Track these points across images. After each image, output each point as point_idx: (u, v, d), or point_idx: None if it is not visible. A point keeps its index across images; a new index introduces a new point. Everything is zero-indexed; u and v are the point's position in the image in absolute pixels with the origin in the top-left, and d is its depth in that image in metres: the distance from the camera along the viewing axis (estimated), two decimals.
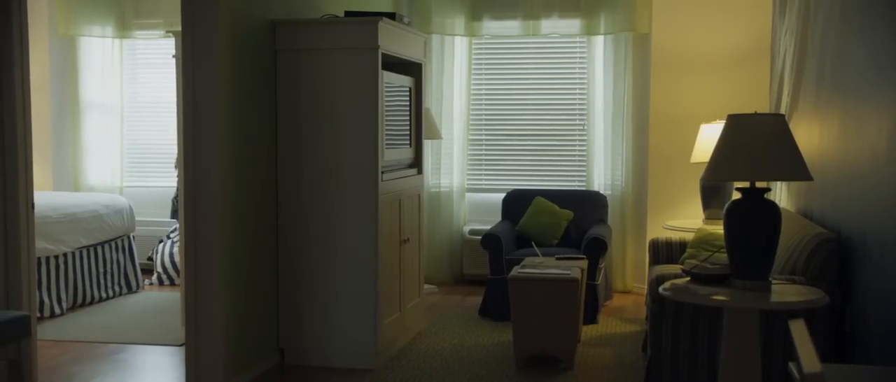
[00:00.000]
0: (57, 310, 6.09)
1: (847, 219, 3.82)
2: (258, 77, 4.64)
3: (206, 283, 4.27)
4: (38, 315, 5.75)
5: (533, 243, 6.27)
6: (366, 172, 4.76)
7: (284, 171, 4.86)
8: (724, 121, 3.49)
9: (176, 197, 7.17)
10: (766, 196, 3.36)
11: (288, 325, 4.91)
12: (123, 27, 7.95)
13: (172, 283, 7.25)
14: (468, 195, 7.55)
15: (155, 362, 5.04)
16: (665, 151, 6.76)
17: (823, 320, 3.74)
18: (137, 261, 7.06)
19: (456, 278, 7.48)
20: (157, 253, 7.40)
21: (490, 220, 7.27)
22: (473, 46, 7.43)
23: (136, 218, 7.24)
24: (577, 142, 7.34)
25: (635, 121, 7.02)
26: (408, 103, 5.37)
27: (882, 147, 3.25)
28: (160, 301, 6.65)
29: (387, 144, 4.92)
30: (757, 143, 3.29)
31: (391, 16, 4.91)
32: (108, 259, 6.73)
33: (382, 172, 4.84)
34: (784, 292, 3.31)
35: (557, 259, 5.41)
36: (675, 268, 4.69)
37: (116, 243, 6.83)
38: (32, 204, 4.38)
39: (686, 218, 6.55)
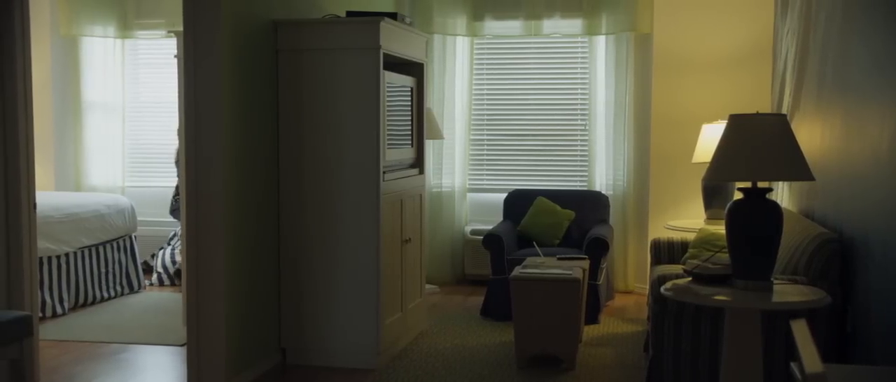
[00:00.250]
0: (59, 310, 6.10)
1: (849, 219, 3.81)
2: (260, 77, 4.64)
3: (207, 283, 4.27)
4: (40, 315, 5.74)
5: (534, 243, 6.27)
6: (367, 172, 4.76)
7: (286, 171, 4.86)
8: (726, 122, 3.49)
9: (176, 195, 7.16)
10: (767, 196, 3.36)
11: (289, 325, 4.91)
12: (125, 27, 7.95)
13: (173, 283, 7.26)
14: (470, 195, 7.54)
15: (156, 362, 5.04)
16: (667, 151, 6.75)
17: (825, 320, 3.74)
18: (139, 261, 7.06)
19: (457, 278, 7.48)
20: (157, 257, 7.41)
21: (491, 220, 7.27)
22: (475, 46, 7.43)
23: (138, 218, 7.25)
24: (579, 142, 7.34)
25: (637, 121, 7.01)
26: (409, 103, 5.36)
27: (884, 147, 3.24)
28: (162, 301, 6.65)
29: (388, 144, 4.92)
30: (758, 143, 3.29)
31: (393, 16, 4.90)
32: (110, 259, 6.74)
33: (384, 172, 4.84)
34: (786, 292, 3.30)
35: (559, 259, 5.40)
36: (677, 268, 4.69)
37: (118, 243, 6.84)
38: (34, 204, 4.38)
39: (688, 219, 6.55)
